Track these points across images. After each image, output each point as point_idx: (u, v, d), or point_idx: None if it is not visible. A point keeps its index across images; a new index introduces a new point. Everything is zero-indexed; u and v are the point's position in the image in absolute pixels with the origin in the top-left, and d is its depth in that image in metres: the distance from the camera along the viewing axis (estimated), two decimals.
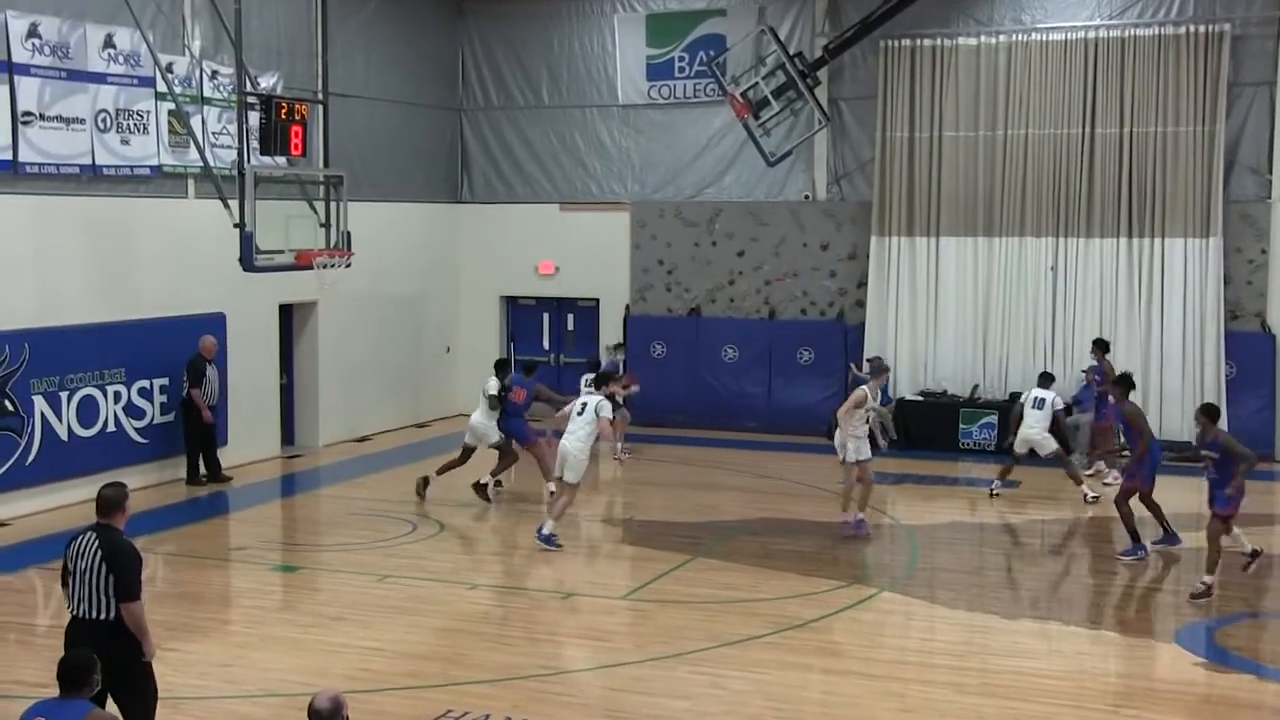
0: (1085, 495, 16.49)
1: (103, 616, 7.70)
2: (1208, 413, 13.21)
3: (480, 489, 16.35)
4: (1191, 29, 19.24)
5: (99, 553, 7.69)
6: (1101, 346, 18.19)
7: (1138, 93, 19.56)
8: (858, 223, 21.37)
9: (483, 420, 16.46)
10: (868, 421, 14.99)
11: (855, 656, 10.83)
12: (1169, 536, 14.19)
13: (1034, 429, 16.66)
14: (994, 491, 16.99)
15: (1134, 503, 13.96)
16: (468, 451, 16.60)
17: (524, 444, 16.70)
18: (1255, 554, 12.93)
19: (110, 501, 7.92)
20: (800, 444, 20.35)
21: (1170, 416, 19.65)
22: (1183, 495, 15.18)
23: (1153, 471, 14.00)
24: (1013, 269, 20.38)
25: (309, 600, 12.57)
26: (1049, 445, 16.65)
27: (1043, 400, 16.71)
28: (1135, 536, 13.86)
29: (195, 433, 17.02)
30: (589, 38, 22.66)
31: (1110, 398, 16.78)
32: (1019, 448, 16.79)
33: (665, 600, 12.37)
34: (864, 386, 15.06)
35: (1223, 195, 19.31)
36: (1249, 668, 10.61)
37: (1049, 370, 18.13)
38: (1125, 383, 14.50)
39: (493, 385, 16.45)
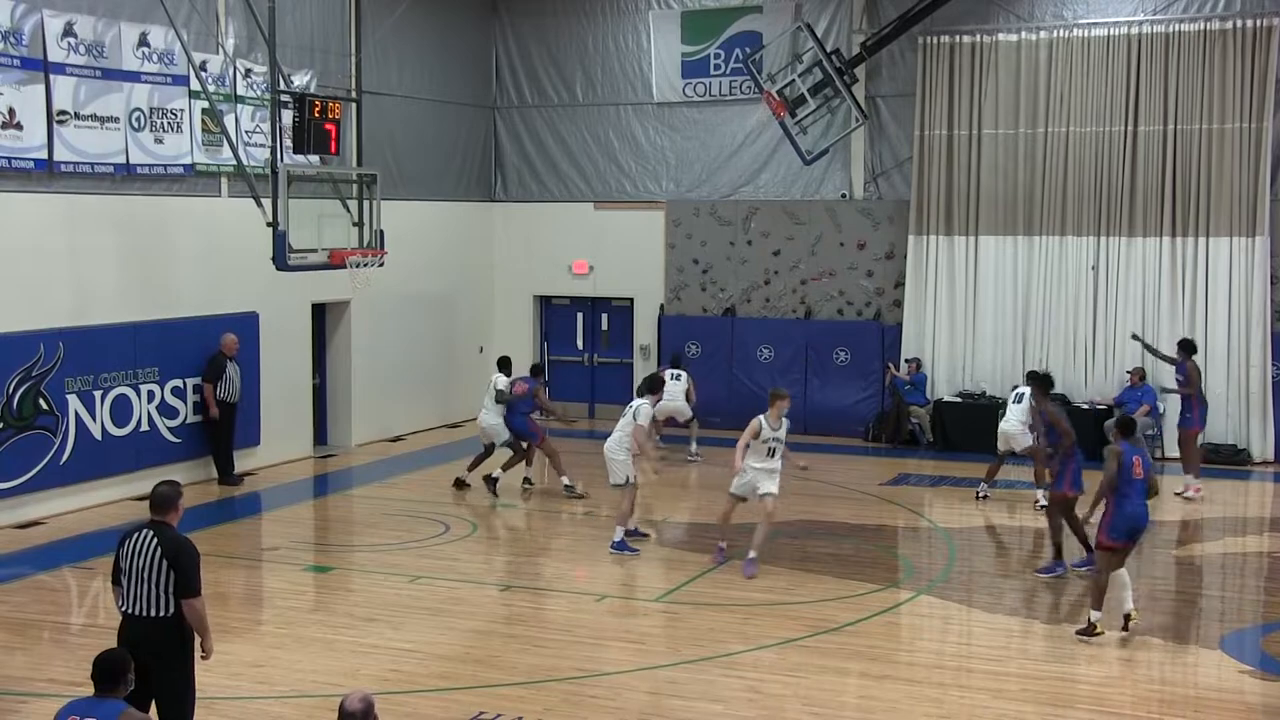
0: (1037, 500, 16.00)
1: (160, 614, 7.67)
2: (1039, 382, 14.12)
3: (490, 481, 16.61)
4: (1238, 24, 18.93)
5: (158, 550, 7.66)
6: (1188, 348, 17.11)
7: (1182, 89, 19.27)
8: (895, 222, 21.17)
9: (490, 419, 16.70)
10: (770, 454, 13.15)
11: (893, 660, 10.66)
12: (1086, 559, 13.13)
13: (1010, 422, 16.17)
14: (981, 494, 16.62)
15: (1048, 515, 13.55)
16: (489, 449, 17.00)
17: (533, 442, 16.86)
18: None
19: (165, 499, 7.90)
20: (838, 445, 20.17)
21: (1215, 419, 19.30)
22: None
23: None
24: (1053, 269, 20.13)
25: (341, 601, 12.50)
26: (1024, 440, 15.97)
27: (1022, 395, 16.08)
28: (1087, 546, 12.90)
29: (213, 431, 16.97)
30: (624, 35, 22.55)
31: (1191, 402, 16.79)
32: (1000, 445, 16.42)
33: (700, 603, 12.24)
34: (759, 416, 13.13)
35: (1269, 194, 19.00)
36: None
37: (1047, 371, 17.39)
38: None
39: (502, 381, 16.73)
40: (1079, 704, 9.64)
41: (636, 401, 14.42)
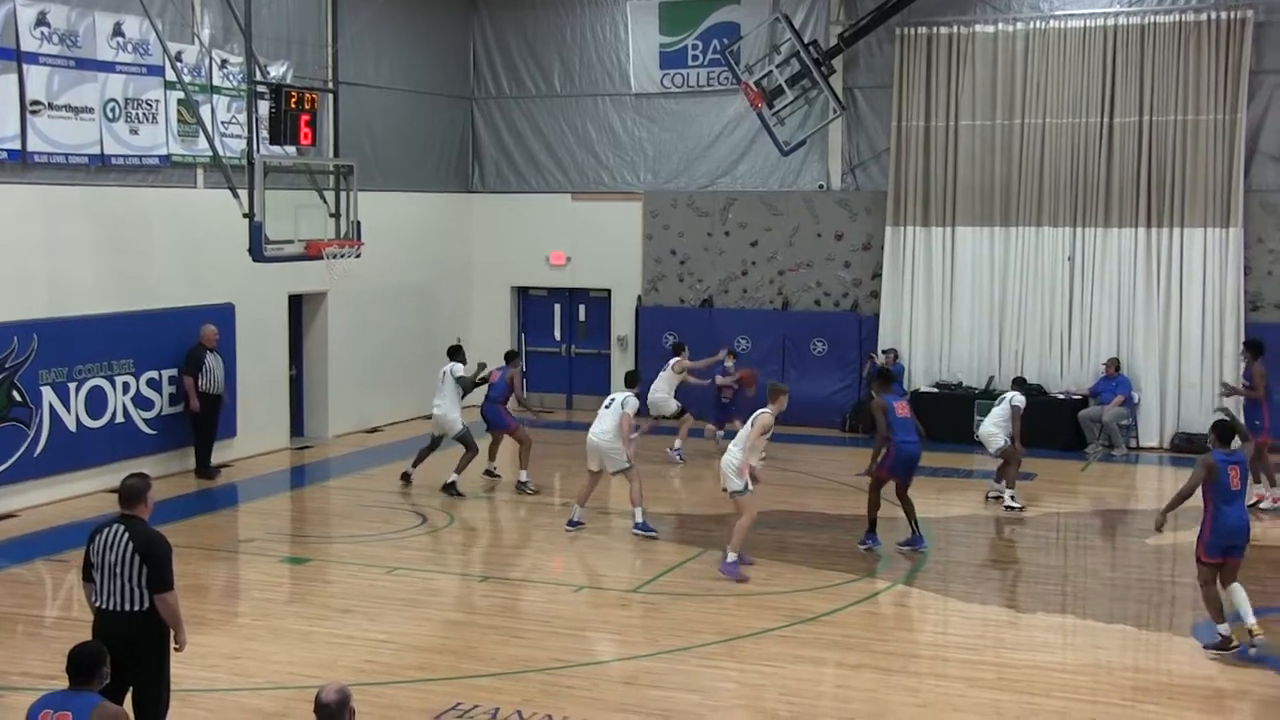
0: (991, 493, 15.90)
1: (134, 608, 7.64)
2: (880, 376, 14.43)
3: (450, 488, 16.07)
4: (1213, 16, 19.02)
5: (130, 544, 7.62)
6: (1254, 349, 16.06)
7: (1157, 81, 19.35)
8: (872, 212, 21.21)
9: (444, 409, 16.17)
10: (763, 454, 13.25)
11: (869, 650, 10.70)
12: (915, 538, 13.67)
13: (987, 423, 15.80)
14: (992, 495, 16.21)
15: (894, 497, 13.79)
16: (436, 441, 16.49)
17: (506, 430, 16.67)
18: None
19: (134, 492, 7.84)
20: (815, 435, 20.21)
21: (1189, 408, 19.49)
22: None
23: (904, 465, 13.48)
24: (1029, 259, 20.20)
25: (318, 593, 12.48)
26: (996, 442, 15.59)
27: (1004, 398, 15.85)
28: (871, 526, 13.59)
29: (198, 422, 16.88)
30: (601, 26, 22.52)
31: (1259, 407, 15.52)
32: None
33: (677, 593, 12.26)
34: (766, 411, 12.91)
35: (1243, 185, 19.10)
36: (1268, 662, 10.43)
37: (1021, 376, 17.81)
38: (884, 377, 14.48)
39: (459, 369, 16.25)
40: (1054, 692, 9.70)
41: (621, 394, 14.50)
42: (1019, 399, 15.66)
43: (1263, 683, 10.04)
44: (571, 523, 14.52)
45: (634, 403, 14.38)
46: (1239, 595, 10.53)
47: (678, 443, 18.58)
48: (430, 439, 16.64)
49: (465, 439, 16.18)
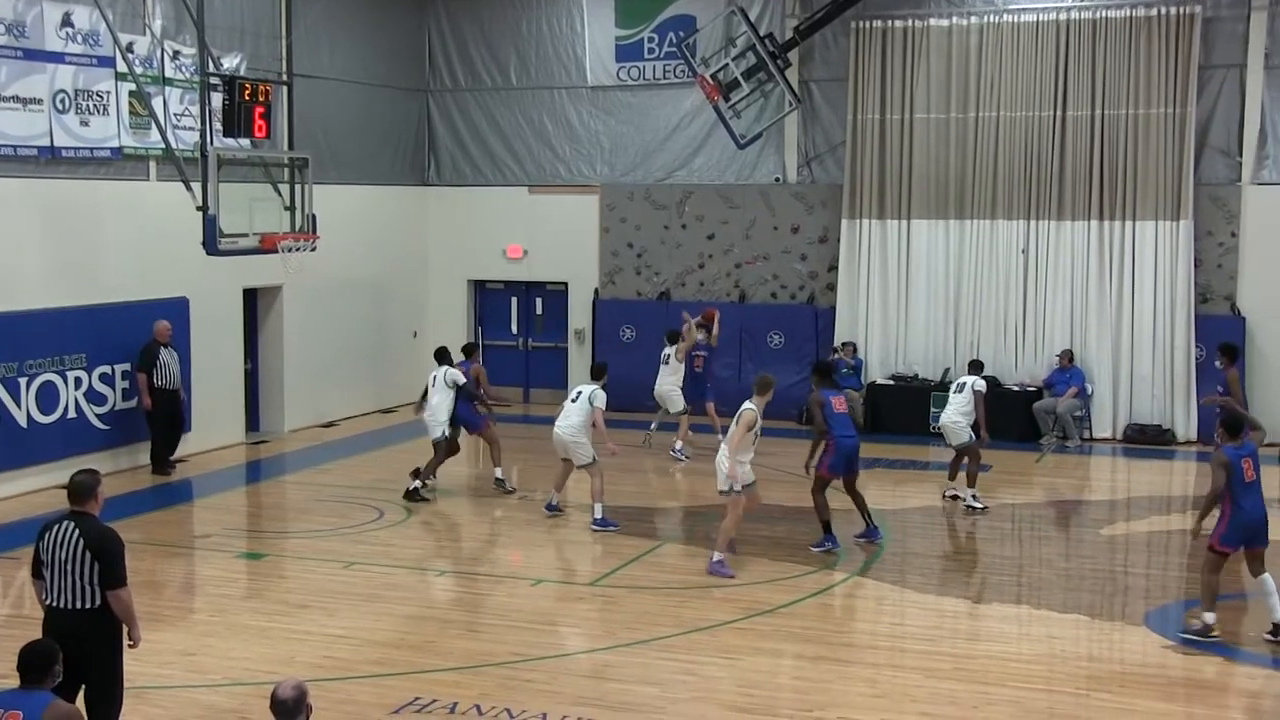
0: (949, 492, 15.74)
1: (85, 605, 7.57)
2: (818, 371, 14.40)
3: (413, 494, 15.49)
4: (1162, 11, 19.22)
5: (80, 541, 7.54)
6: (1229, 354, 16.02)
7: (1109, 75, 19.54)
8: (829, 205, 21.30)
9: (440, 412, 15.49)
10: (754, 444, 12.86)
11: (827, 641, 10.76)
12: (870, 530, 13.79)
13: (950, 412, 15.29)
14: (950, 494, 15.93)
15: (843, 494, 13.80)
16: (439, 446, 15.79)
17: (476, 431, 16.22)
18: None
19: (84, 488, 7.75)
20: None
21: (1140, 399, 19.71)
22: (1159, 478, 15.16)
23: (845, 460, 13.44)
24: (984, 252, 20.35)
25: (274, 588, 12.41)
26: (960, 435, 15.10)
27: (963, 384, 15.30)
28: (826, 528, 13.42)
29: (154, 419, 16.72)
30: (557, 18, 22.46)
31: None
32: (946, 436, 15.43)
33: (635, 586, 12.27)
34: (750, 406, 12.63)
35: (1193, 178, 19.33)
36: (1216, 649, 10.58)
37: (979, 359, 17.51)
38: (822, 371, 14.34)
39: (459, 375, 15.53)
40: (1009, 681, 9.78)
41: (588, 388, 14.40)
42: (980, 383, 15.34)
43: (1213, 670, 10.18)
44: (550, 507, 14.68)
45: (601, 396, 14.32)
46: (1269, 586, 10.60)
47: (679, 443, 18.26)
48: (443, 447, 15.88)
49: (439, 444, 15.64)
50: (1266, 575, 10.65)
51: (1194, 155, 19.30)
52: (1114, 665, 10.49)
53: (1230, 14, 19.22)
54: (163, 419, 16.73)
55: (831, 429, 13.41)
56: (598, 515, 14.22)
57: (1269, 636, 10.61)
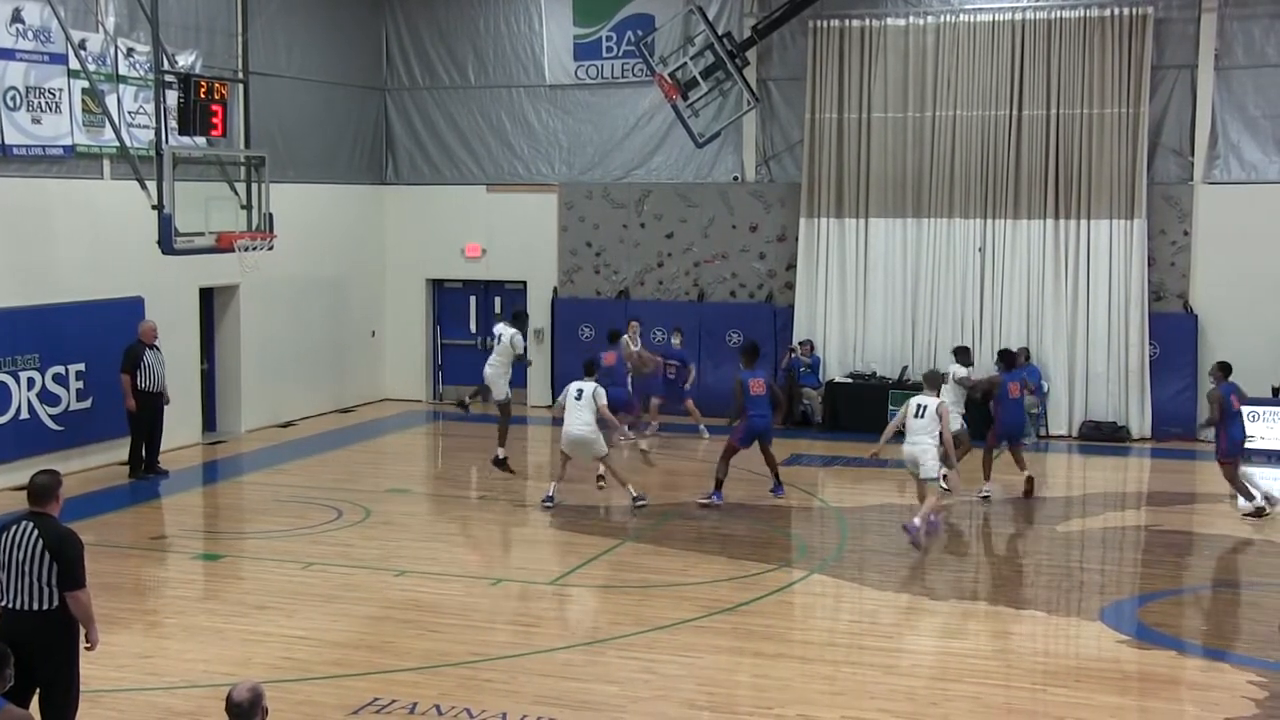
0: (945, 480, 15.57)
1: (42, 607, 7.50)
2: (745, 351, 15.63)
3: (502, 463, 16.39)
4: (1116, 11, 19.41)
5: (39, 542, 7.47)
6: (1224, 370, 15.47)
7: (1064, 75, 19.71)
8: (787, 204, 21.36)
9: (500, 374, 16.48)
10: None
11: (786, 639, 10.80)
12: (776, 487, 15.57)
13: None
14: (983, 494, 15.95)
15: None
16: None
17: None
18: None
19: (44, 489, 7.69)
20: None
21: (1095, 396, 19.89)
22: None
23: (754, 436, 15.12)
24: (941, 250, 20.48)
25: (231, 589, 12.32)
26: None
27: (924, 408, 13.80)
28: (718, 485, 15.14)
29: (136, 421, 16.55)
30: (515, 17, 22.41)
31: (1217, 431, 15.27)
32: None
33: (594, 585, 12.28)
34: (943, 401, 14.07)
35: (1146, 177, 19.53)
36: (1169, 644, 10.74)
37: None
38: (749, 351, 15.58)
39: (519, 340, 16.42)
40: (966, 677, 9.85)
41: (588, 385, 14.91)
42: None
43: (1166, 664, 10.30)
44: (548, 497, 15.10)
45: (603, 391, 15.00)
46: (1253, 474, 15.20)
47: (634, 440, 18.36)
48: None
49: (505, 407, 16.49)
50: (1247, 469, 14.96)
51: (1147, 155, 19.51)
52: (1070, 660, 10.58)
53: (1181, 15, 19.44)
54: (145, 422, 16.55)
55: (746, 407, 15.03)
56: (635, 494, 14.94)
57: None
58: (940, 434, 13.60)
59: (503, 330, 16.56)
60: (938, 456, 13.65)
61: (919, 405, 13.86)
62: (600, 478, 15.81)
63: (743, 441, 15.16)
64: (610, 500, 15.70)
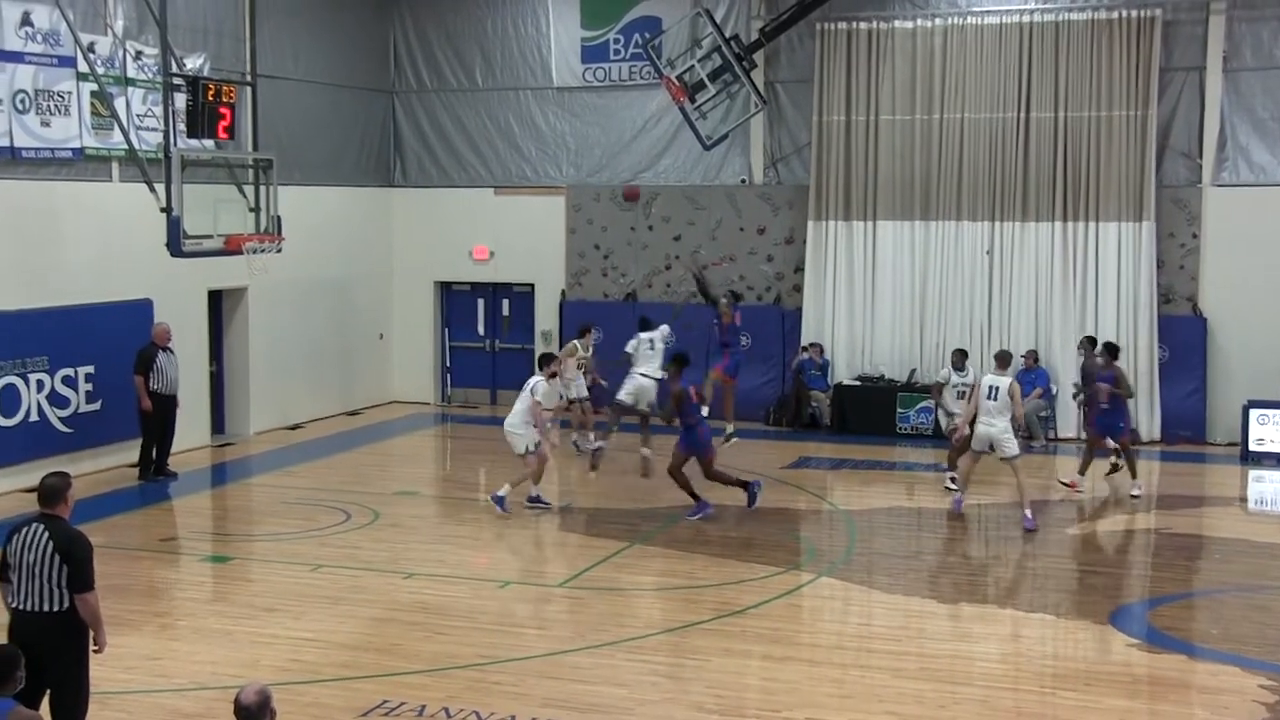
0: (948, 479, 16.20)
1: (53, 609, 7.52)
2: (675, 361, 15.26)
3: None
4: (1124, 14, 19.38)
5: (50, 544, 7.49)
6: (1112, 352, 16.64)
7: (1072, 77, 19.68)
8: (794, 207, 21.35)
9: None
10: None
11: (794, 642, 10.79)
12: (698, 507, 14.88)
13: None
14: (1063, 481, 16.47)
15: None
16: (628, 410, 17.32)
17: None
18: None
19: (54, 491, 7.71)
20: (739, 429, 20.21)
21: None
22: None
23: (699, 445, 14.60)
24: (949, 253, 20.45)
25: (240, 591, 12.34)
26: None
27: (996, 389, 14.23)
28: (695, 498, 14.71)
29: (148, 423, 16.54)
30: (523, 19, 22.43)
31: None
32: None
33: (603, 588, 12.27)
34: (1013, 380, 14.50)
35: (1155, 180, 19.49)
36: (1180, 647, 10.70)
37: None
38: (680, 361, 15.17)
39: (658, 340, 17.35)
40: (975, 681, 9.84)
41: (531, 379, 14.98)
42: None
43: (1176, 667, 10.27)
44: (531, 499, 15.11)
45: (542, 387, 14.82)
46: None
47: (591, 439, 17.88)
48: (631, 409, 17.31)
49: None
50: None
51: (1155, 157, 19.48)
52: (1079, 664, 10.55)
53: (1189, 17, 19.40)
54: (156, 424, 16.56)
55: (690, 414, 14.71)
56: (499, 493, 14.84)
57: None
58: (1013, 415, 14.24)
59: (644, 337, 17.53)
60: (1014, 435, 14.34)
61: (991, 386, 14.23)
62: (599, 449, 16.49)
63: (690, 449, 14.65)
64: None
